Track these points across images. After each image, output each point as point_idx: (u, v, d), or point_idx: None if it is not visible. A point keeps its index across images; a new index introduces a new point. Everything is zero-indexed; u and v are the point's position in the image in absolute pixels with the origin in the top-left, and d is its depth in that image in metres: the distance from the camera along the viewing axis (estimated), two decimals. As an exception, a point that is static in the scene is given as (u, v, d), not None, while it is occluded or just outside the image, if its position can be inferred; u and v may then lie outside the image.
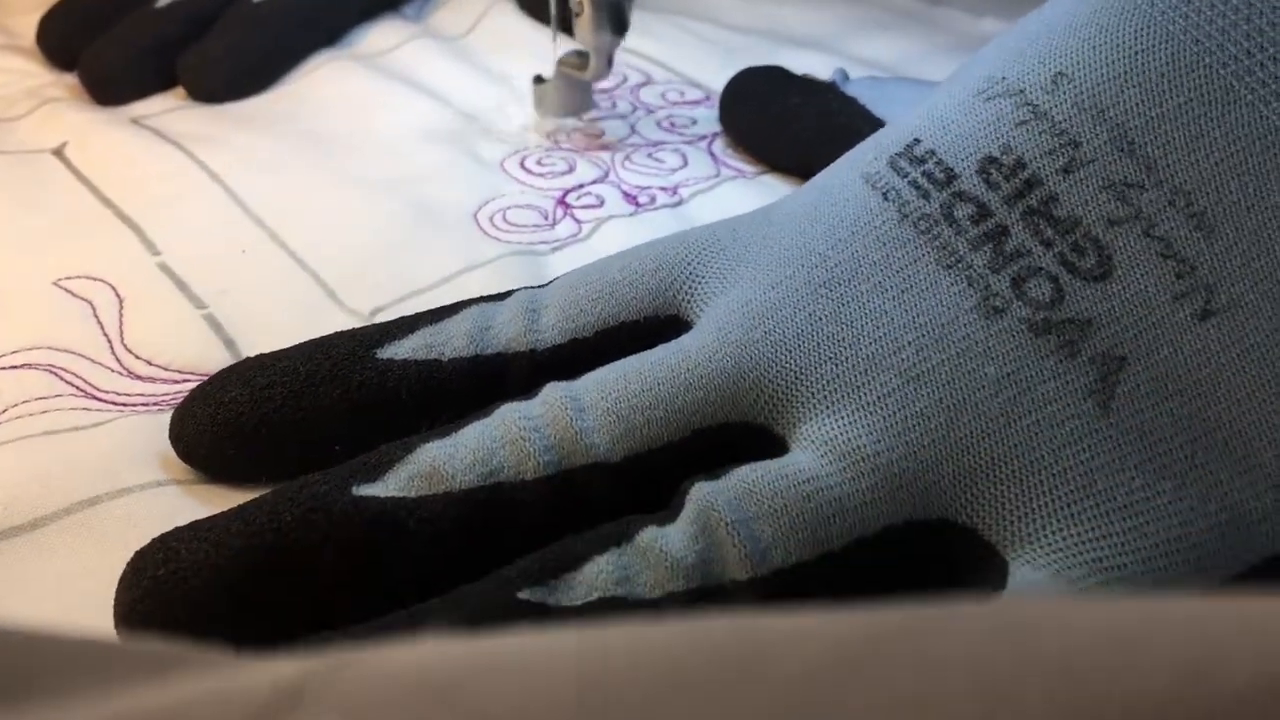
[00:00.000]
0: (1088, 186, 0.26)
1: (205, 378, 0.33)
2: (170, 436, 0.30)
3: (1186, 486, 0.24)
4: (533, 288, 0.31)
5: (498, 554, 0.25)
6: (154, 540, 0.25)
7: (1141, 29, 0.27)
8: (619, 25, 0.42)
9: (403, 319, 0.30)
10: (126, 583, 0.24)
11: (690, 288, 0.29)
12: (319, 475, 0.26)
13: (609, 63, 0.43)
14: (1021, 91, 0.28)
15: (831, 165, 0.31)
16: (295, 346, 0.30)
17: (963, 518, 0.25)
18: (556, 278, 0.31)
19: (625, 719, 0.10)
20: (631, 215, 0.41)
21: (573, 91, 0.45)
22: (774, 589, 0.24)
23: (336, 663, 0.12)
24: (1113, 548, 0.24)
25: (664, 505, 0.26)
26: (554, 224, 0.40)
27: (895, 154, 0.29)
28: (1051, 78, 0.27)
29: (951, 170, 0.28)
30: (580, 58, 0.44)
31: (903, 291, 0.27)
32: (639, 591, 0.24)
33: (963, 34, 0.55)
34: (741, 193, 0.42)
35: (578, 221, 0.41)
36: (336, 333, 0.30)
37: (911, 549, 0.25)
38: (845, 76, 0.43)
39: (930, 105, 0.30)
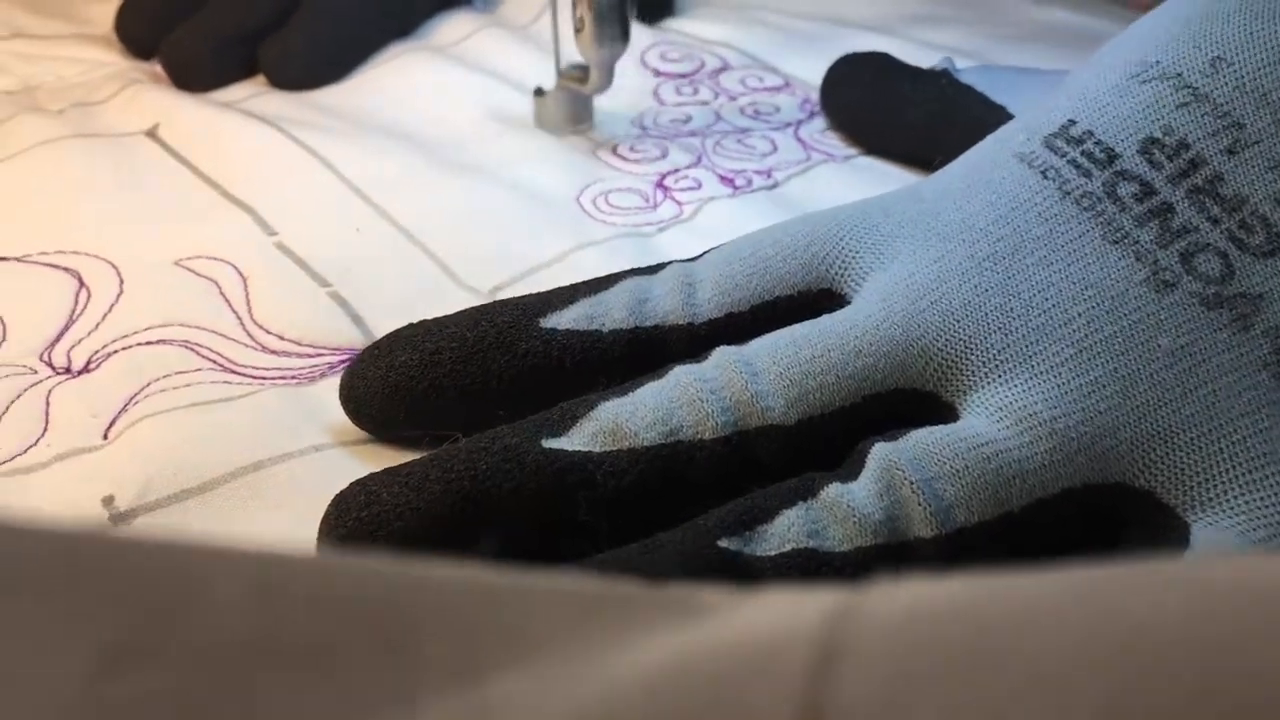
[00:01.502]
0: (1254, 166, 0.27)
1: (339, 352, 0.33)
2: (340, 396, 0.30)
3: None
4: (685, 261, 0.32)
5: (675, 509, 0.26)
6: (353, 484, 0.26)
7: None
8: (621, 38, 0.42)
9: (561, 290, 0.31)
10: (330, 522, 0.25)
11: (845, 263, 0.30)
12: (507, 428, 0.27)
13: (609, 76, 0.43)
14: (1179, 75, 0.29)
15: (977, 146, 0.32)
16: (459, 313, 0.31)
17: (1140, 481, 0.26)
18: (707, 251, 0.32)
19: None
20: (730, 197, 0.42)
21: (573, 104, 0.45)
22: (957, 547, 0.25)
23: (850, 606, 0.12)
24: None
25: (831, 468, 0.27)
26: (655, 206, 0.41)
27: (1050, 134, 0.30)
28: (1210, 62, 0.28)
29: (1112, 150, 0.28)
30: (581, 71, 0.44)
31: (1069, 265, 0.28)
32: (829, 545, 0.25)
33: (1027, 23, 0.55)
34: (835, 175, 0.43)
35: (678, 204, 0.41)
36: (498, 302, 0.31)
37: (1090, 511, 0.26)
38: (953, 65, 0.44)
39: (1079, 88, 0.30)
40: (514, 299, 0.31)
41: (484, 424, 0.28)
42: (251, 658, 0.12)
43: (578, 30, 0.42)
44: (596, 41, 0.42)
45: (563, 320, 0.30)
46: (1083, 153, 0.29)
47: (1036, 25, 0.55)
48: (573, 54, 0.43)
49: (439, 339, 0.30)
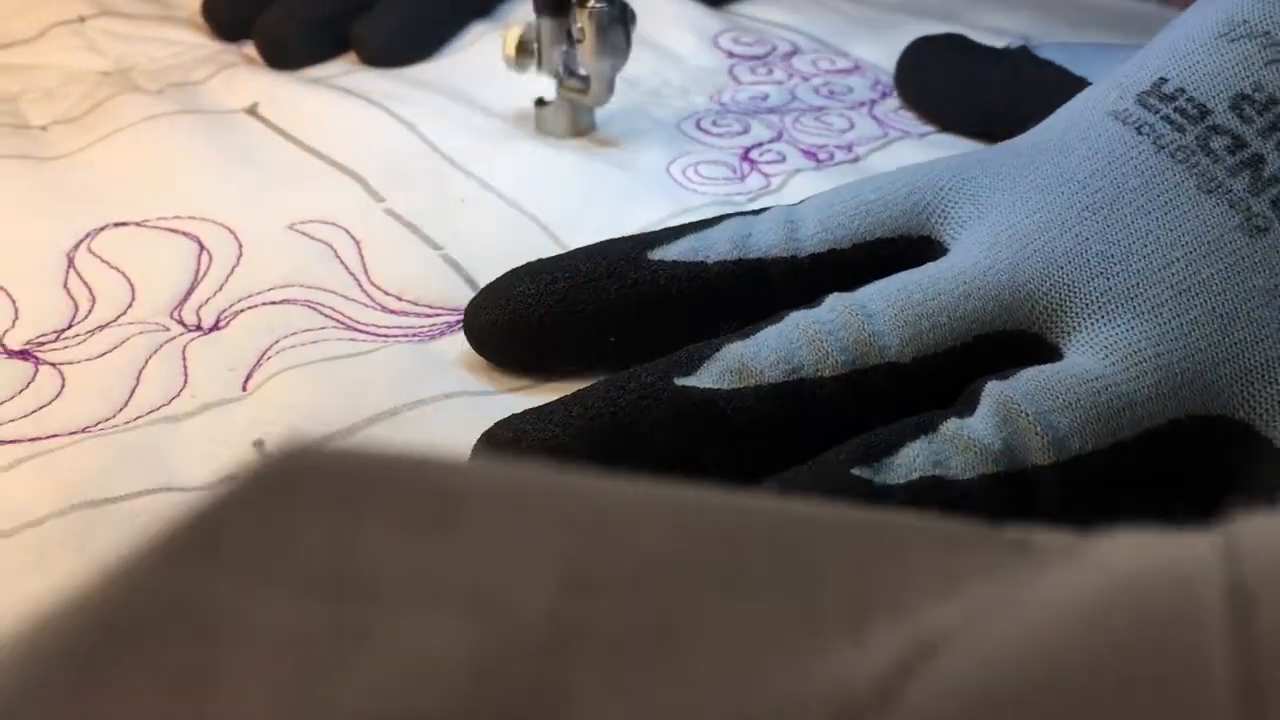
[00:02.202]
0: None
1: (456, 312, 0.35)
2: (464, 327, 0.33)
3: None
4: (787, 205, 0.33)
5: (799, 443, 0.27)
6: (500, 422, 0.28)
7: None
8: (622, 49, 0.42)
9: (669, 228, 0.33)
10: (479, 456, 0.27)
11: (944, 212, 0.32)
12: (641, 368, 0.29)
13: (610, 88, 0.44)
14: (1267, 33, 0.30)
15: (1065, 106, 0.33)
16: (576, 250, 0.33)
17: (1240, 414, 0.27)
18: (808, 198, 0.33)
19: None
20: (815, 169, 0.43)
21: (575, 114, 0.45)
22: (1073, 474, 0.26)
23: (1231, 546, 0.13)
24: None
25: (944, 405, 0.28)
26: (743, 178, 0.43)
27: (1142, 92, 0.31)
28: None
29: (1204, 106, 0.30)
30: (582, 82, 0.44)
31: (1166, 214, 0.29)
32: (953, 473, 0.26)
33: (1091, 7, 0.57)
34: (914, 150, 0.44)
35: (765, 175, 0.43)
36: (611, 239, 0.33)
37: (1195, 441, 0.27)
38: (1030, 43, 0.45)
39: (1168, 48, 0.32)
40: (626, 236, 0.33)
41: (596, 350, 0.31)
42: (679, 586, 0.13)
43: (578, 41, 0.42)
44: (597, 53, 0.42)
45: (670, 252, 0.32)
46: (1175, 109, 0.30)
47: (1101, 11, 0.57)
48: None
49: (555, 271, 0.32)
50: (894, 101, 0.48)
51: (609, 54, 0.42)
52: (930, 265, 0.30)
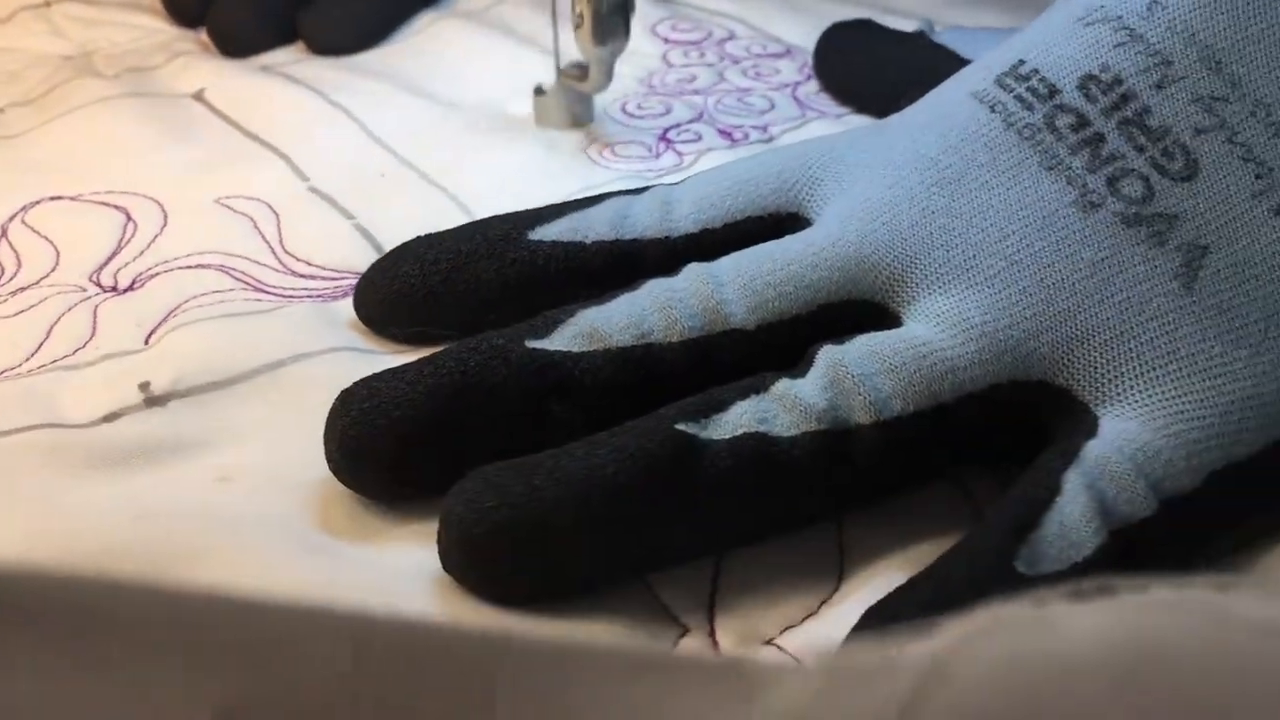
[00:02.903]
0: (1178, 100, 0.30)
1: (358, 274, 0.37)
2: (354, 303, 0.34)
3: (1260, 355, 0.28)
4: (667, 184, 0.35)
5: (646, 405, 0.29)
6: (357, 381, 0.29)
7: None
8: (621, 35, 0.43)
9: (551, 206, 0.35)
10: (337, 413, 0.29)
11: (810, 189, 0.33)
12: (494, 332, 0.30)
13: (609, 74, 0.44)
14: (1119, 17, 0.32)
15: (940, 86, 0.35)
16: (458, 227, 0.35)
17: (1059, 380, 0.29)
18: (688, 177, 0.35)
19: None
20: (729, 148, 0.45)
21: (574, 103, 0.46)
22: (894, 433, 0.28)
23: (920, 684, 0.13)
24: (1193, 402, 0.28)
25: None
26: (657, 156, 0.44)
27: (1001, 73, 0.33)
28: (1147, 5, 0.32)
29: (1054, 86, 0.32)
30: (581, 69, 0.45)
31: (1008, 189, 0.31)
32: (777, 430, 0.28)
33: (1040, 3, 0.58)
34: (827, 129, 0.46)
35: (679, 154, 0.44)
36: (494, 216, 0.35)
37: (1013, 405, 0.29)
38: (931, 27, 0.47)
39: (1034, 31, 0.34)
40: (508, 214, 0.35)
41: (478, 327, 0.32)
42: (342, 716, 0.13)
43: (577, 27, 0.43)
44: (596, 39, 0.43)
45: (549, 232, 0.34)
46: (1028, 89, 0.32)
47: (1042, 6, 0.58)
48: (572, 51, 0.45)
49: (437, 250, 0.34)
50: (816, 84, 0.49)
51: (609, 40, 0.43)
52: (788, 237, 0.32)
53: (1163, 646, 0.13)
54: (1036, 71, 0.32)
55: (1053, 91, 0.31)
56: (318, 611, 0.14)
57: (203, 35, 0.54)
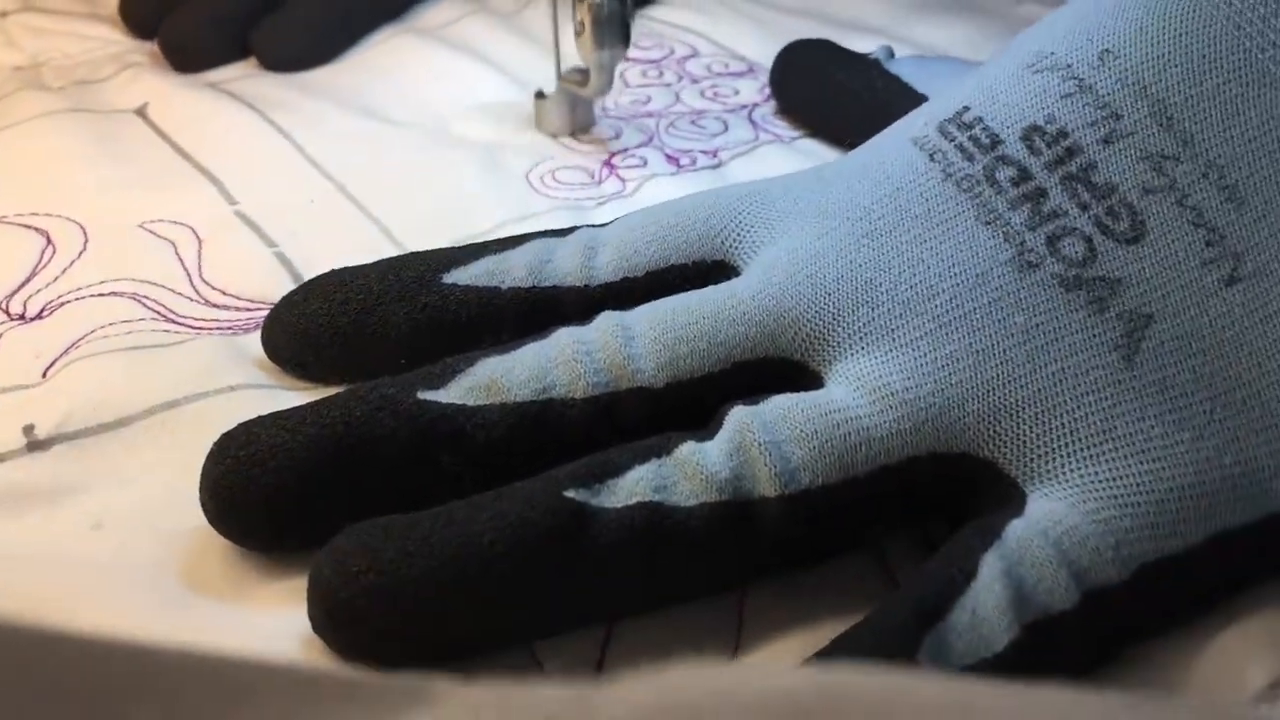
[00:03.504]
0: (1126, 157, 0.29)
1: (272, 306, 0.36)
2: (262, 340, 0.33)
3: (1204, 439, 0.26)
4: (594, 226, 0.33)
5: (544, 462, 0.27)
6: (238, 425, 0.28)
7: (1186, 12, 0.30)
8: (621, 41, 0.43)
9: (471, 245, 0.33)
10: (213, 459, 0.27)
11: (739, 236, 0.32)
12: (388, 380, 0.29)
13: (610, 79, 0.44)
14: (1069, 66, 0.30)
15: (885, 130, 0.33)
16: (373, 264, 0.33)
17: (984, 452, 0.27)
18: (618, 218, 0.34)
19: None
20: (673, 175, 0.44)
21: (574, 107, 0.46)
22: (802, 507, 0.26)
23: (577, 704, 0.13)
24: (1128, 487, 0.26)
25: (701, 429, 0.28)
26: (599, 182, 0.43)
27: (944, 120, 0.31)
28: (1098, 54, 0.30)
29: (997, 136, 0.30)
30: (582, 74, 0.45)
31: (941, 243, 0.29)
32: (675, 499, 0.26)
33: (1007, 17, 0.57)
34: (779, 155, 0.45)
35: (622, 180, 0.43)
36: (412, 253, 0.33)
37: (933, 478, 0.27)
38: (890, 54, 0.46)
39: (981, 77, 0.32)
40: (427, 252, 0.33)
41: (387, 371, 0.30)
42: None
43: (578, 33, 0.43)
44: (596, 44, 0.42)
45: (464, 276, 0.32)
46: (969, 138, 0.30)
47: (1019, 19, 0.57)
48: (573, 57, 0.45)
49: (348, 289, 0.32)
50: (775, 105, 0.48)
51: (608, 45, 0.43)
52: (709, 288, 0.30)
53: None
54: (980, 120, 0.30)
55: (995, 142, 0.30)
56: None
57: (156, 47, 0.53)
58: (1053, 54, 0.31)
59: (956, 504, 0.27)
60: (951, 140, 0.30)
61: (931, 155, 0.30)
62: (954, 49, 0.53)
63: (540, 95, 0.46)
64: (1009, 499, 0.27)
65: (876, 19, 0.56)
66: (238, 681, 0.14)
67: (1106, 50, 0.30)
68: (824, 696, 0.12)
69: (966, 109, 0.31)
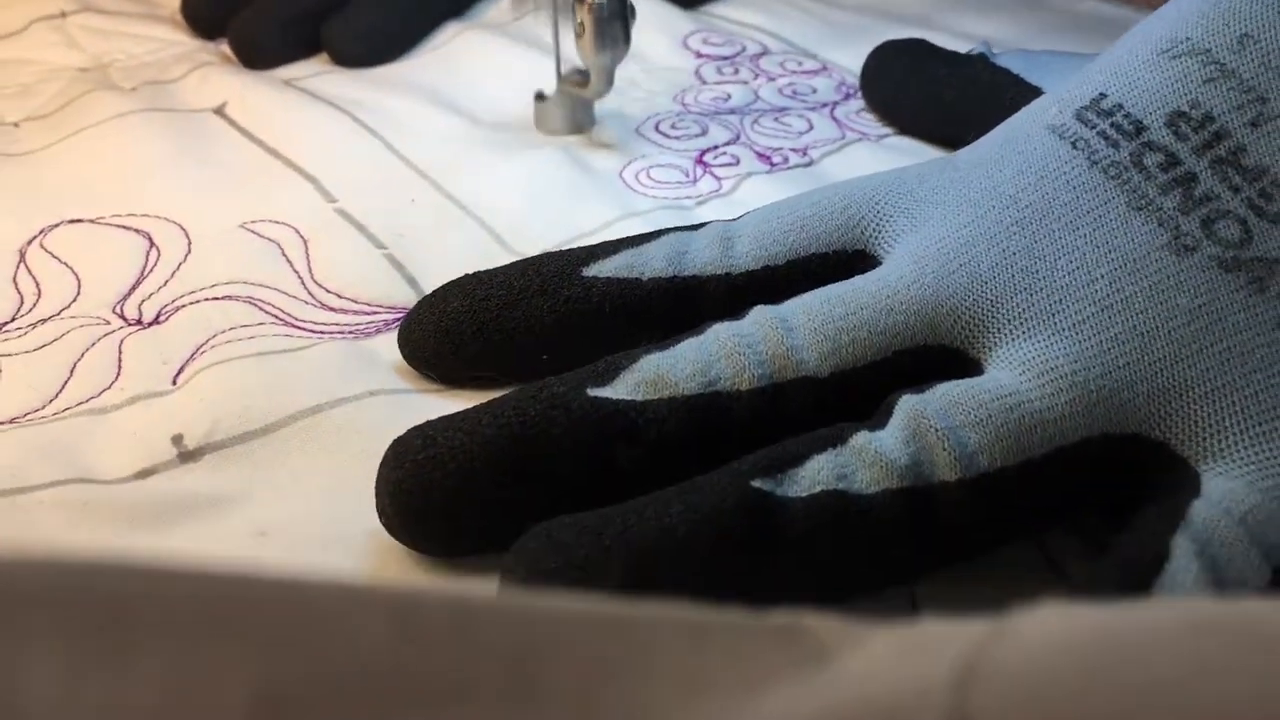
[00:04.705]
0: (1275, 139, 0.29)
1: (394, 310, 0.35)
2: (399, 341, 0.33)
3: None
4: (725, 220, 0.33)
5: (714, 455, 0.27)
6: (412, 430, 0.28)
7: None
8: (622, 43, 0.43)
9: (606, 243, 0.33)
10: (390, 464, 0.27)
11: (878, 225, 0.32)
12: (555, 379, 0.28)
13: (610, 81, 0.44)
14: (1208, 51, 0.30)
15: (1009, 120, 0.33)
16: (510, 264, 0.33)
17: (1156, 433, 0.27)
18: (747, 212, 0.33)
19: None
20: (768, 173, 0.43)
21: (574, 109, 0.46)
22: (981, 491, 0.26)
23: (974, 665, 0.13)
24: None
25: (864, 419, 0.28)
26: (695, 181, 0.43)
27: (1081, 107, 0.31)
28: (1238, 39, 0.30)
29: (1140, 122, 0.30)
30: (582, 75, 0.44)
31: (1094, 230, 0.29)
32: (857, 487, 0.26)
33: (1064, 12, 0.57)
34: (869, 153, 0.45)
35: (717, 179, 0.43)
36: (546, 253, 0.33)
37: (1106, 460, 0.27)
38: (990, 50, 0.45)
39: (1112, 63, 0.32)
40: (561, 250, 0.33)
41: (530, 366, 0.31)
42: (393, 698, 0.12)
43: (578, 35, 0.42)
44: (597, 46, 0.42)
45: (605, 269, 0.32)
46: (1112, 124, 0.30)
47: (1073, 15, 0.57)
48: (574, 58, 0.44)
49: (489, 287, 0.32)
50: (856, 103, 0.48)
51: (609, 47, 0.42)
52: (859, 278, 0.30)
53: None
54: (1120, 106, 0.30)
55: (1139, 128, 0.30)
56: (354, 588, 0.14)
57: (224, 46, 0.52)
58: (1189, 39, 0.31)
59: (1127, 487, 0.28)
60: (1092, 127, 0.30)
61: (1073, 143, 0.30)
62: (1012, 44, 0.53)
63: (540, 97, 0.46)
64: (1183, 480, 0.27)
65: (931, 13, 0.56)
66: (633, 632, 0.14)
67: (1246, 34, 0.30)
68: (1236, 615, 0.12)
69: (1103, 96, 0.31)
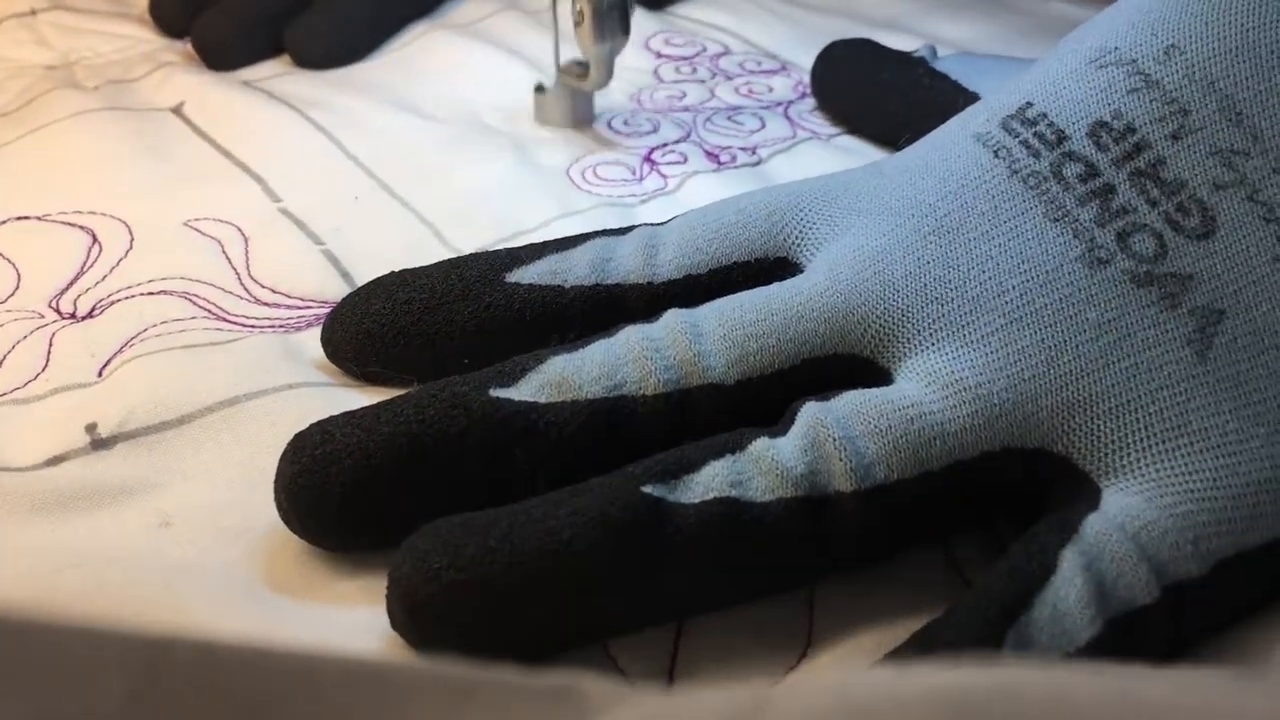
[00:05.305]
0: (1195, 152, 0.29)
1: (326, 304, 0.36)
2: (322, 339, 0.33)
3: (1279, 434, 0.26)
4: (653, 224, 0.33)
5: (616, 460, 0.27)
6: (312, 425, 0.28)
7: (1252, 7, 0.30)
8: (621, 33, 0.43)
9: (532, 245, 0.33)
10: (288, 459, 0.27)
11: (801, 233, 0.32)
12: (459, 378, 0.29)
13: (609, 72, 0.44)
14: (1134, 61, 0.30)
15: (942, 126, 0.33)
16: (434, 265, 0.33)
17: (1058, 447, 0.27)
18: (675, 216, 0.34)
19: None
20: (714, 172, 0.44)
21: (574, 101, 0.46)
22: (875, 503, 0.26)
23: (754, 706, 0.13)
24: (1204, 481, 0.26)
25: (770, 425, 0.28)
26: (641, 179, 0.43)
27: (1007, 116, 0.31)
28: (1164, 49, 0.30)
29: (1062, 132, 0.30)
30: (581, 67, 0.45)
31: (1009, 240, 0.29)
32: (751, 495, 0.26)
33: (1034, 14, 0.57)
34: (818, 153, 0.45)
35: (664, 176, 0.43)
36: (472, 254, 0.33)
37: (1006, 473, 0.27)
38: (934, 53, 0.46)
39: (1042, 72, 0.32)
40: (488, 252, 0.33)
41: (450, 371, 0.30)
42: None
43: (577, 25, 0.43)
44: (596, 36, 0.42)
45: (527, 275, 0.32)
46: (1035, 134, 0.30)
47: (1045, 17, 0.57)
48: (573, 50, 0.45)
49: (411, 289, 0.32)
50: (811, 102, 0.48)
51: (608, 38, 0.43)
52: (775, 285, 0.30)
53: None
54: (1044, 116, 0.30)
55: (1061, 138, 0.30)
56: (108, 634, 0.13)
57: (188, 46, 0.53)
58: (1116, 49, 0.31)
59: (1029, 499, 0.27)
60: (1016, 136, 0.30)
61: (996, 152, 0.30)
62: (981, 47, 0.53)
63: (540, 89, 0.46)
64: (1083, 494, 0.27)
65: (902, 16, 0.56)
66: (389, 685, 0.14)
67: (1172, 45, 0.30)
68: (997, 693, 0.12)
69: (1029, 105, 0.31)
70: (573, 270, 0.32)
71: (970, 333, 0.28)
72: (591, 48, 0.43)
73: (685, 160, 0.44)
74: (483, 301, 0.32)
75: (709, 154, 0.45)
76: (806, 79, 0.50)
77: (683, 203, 0.42)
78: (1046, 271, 0.28)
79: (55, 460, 0.30)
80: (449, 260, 0.33)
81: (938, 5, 0.58)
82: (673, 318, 0.29)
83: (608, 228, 0.34)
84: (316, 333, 0.35)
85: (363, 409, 0.28)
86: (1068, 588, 0.24)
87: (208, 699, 0.13)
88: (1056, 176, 0.29)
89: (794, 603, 0.27)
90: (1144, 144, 0.29)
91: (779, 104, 0.48)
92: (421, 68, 0.51)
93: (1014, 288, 0.28)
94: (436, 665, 0.14)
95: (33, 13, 0.55)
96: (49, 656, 0.13)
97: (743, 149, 0.45)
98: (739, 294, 0.30)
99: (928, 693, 0.13)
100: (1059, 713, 0.12)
